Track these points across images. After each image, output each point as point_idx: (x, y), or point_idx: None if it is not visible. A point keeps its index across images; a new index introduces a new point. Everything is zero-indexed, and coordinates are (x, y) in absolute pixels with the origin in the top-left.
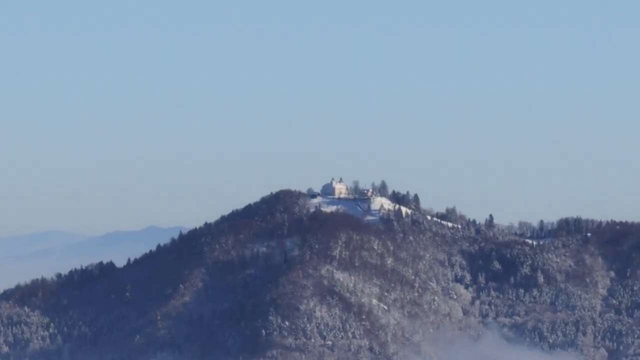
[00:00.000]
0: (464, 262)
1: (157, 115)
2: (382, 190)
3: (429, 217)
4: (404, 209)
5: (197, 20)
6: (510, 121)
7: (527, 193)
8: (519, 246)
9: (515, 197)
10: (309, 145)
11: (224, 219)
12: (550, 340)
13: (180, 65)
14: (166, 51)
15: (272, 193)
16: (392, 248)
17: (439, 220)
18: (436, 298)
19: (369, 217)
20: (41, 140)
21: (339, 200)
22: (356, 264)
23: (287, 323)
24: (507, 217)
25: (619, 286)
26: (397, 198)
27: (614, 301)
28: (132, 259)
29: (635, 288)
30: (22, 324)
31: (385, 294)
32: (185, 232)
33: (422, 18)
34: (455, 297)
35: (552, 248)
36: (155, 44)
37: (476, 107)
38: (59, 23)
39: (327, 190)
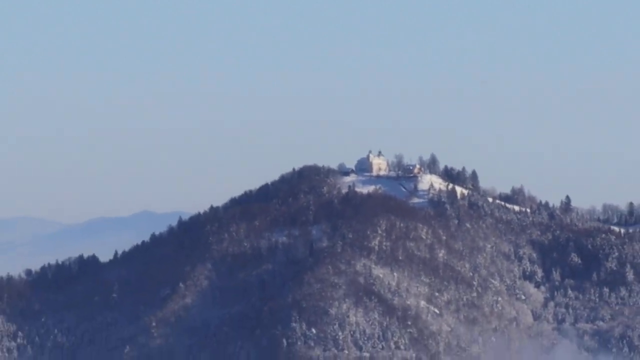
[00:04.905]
0: (534, 255)
1: (148, 79)
2: (431, 166)
3: (490, 199)
4: (459, 189)
5: None
6: (592, 76)
7: (612, 170)
8: (603, 235)
9: (598, 175)
10: (339, 111)
11: (234, 202)
12: None
13: (183, 34)
14: (172, 27)
15: (294, 170)
16: (444, 238)
17: (502, 203)
18: (500, 299)
19: (416, 200)
20: (9, 116)
21: (378, 178)
22: (400, 258)
23: (313, 331)
24: (588, 199)
25: None
26: (450, 175)
27: None
28: (119, 252)
29: None
30: None
31: (436, 294)
32: (185, 218)
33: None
34: (523, 297)
35: None
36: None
37: (548, 61)
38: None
39: (363, 166)
